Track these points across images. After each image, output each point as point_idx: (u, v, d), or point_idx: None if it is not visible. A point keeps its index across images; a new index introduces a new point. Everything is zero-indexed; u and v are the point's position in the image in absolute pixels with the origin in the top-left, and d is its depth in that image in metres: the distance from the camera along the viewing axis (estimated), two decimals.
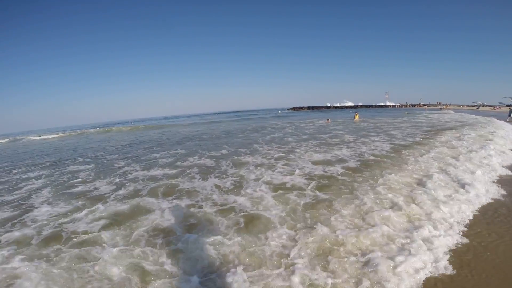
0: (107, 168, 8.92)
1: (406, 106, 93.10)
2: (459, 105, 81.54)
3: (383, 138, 12.72)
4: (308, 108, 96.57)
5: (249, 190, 5.52)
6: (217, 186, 5.99)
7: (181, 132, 23.87)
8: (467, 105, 78.56)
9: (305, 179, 6.15)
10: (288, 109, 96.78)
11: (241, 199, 5.01)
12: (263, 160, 8.52)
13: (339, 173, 6.55)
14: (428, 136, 12.77)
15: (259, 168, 7.44)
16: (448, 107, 77.78)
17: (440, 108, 69.94)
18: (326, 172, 6.71)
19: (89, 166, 9.54)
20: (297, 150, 10.16)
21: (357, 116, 30.08)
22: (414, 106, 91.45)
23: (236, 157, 9.31)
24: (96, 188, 6.51)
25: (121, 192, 6.03)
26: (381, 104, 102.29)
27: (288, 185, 5.72)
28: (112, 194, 5.85)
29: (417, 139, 11.95)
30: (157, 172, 7.81)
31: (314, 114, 53.69)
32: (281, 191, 5.31)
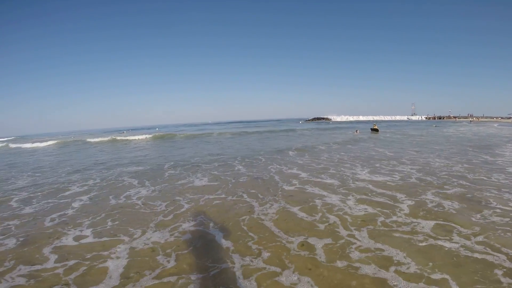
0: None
1: (434, 118, 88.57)
2: (492, 117, 76.69)
3: (433, 154, 11.14)
4: (330, 119, 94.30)
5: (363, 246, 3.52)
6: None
7: (220, 142, 20.87)
8: (501, 117, 73.72)
9: (425, 218, 4.36)
10: (309, 120, 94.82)
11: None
12: (318, 179, 7.19)
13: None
14: (487, 152, 11.00)
15: (328, 194, 6.08)
16: (481, 119, 73.15)
17: (471, 121, 65.66)
18: (441, 207, 4.86)
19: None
20: (357, 172, 8.75)
21: (375, 126, 28.80)
22: (443, 118, 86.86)
23: (290, 175, 8.02)
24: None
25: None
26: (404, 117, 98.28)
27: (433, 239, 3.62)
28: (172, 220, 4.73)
29: (486, 157, 10.22)
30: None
31: (337, 125, 51.70)
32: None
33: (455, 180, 6.79)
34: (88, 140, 27.89)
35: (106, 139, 28.07)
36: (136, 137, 28.39)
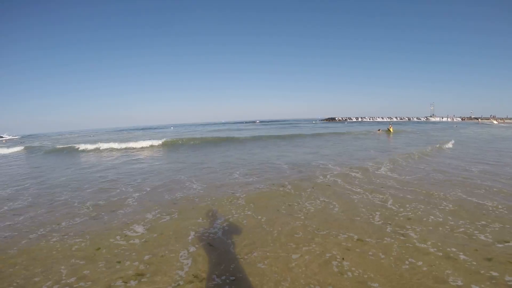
0: None
1: (452, 119, 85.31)
2: None
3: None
4: (345, 119, 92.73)
5: None
6: None
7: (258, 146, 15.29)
8: None
9: (477, 219, 3.85)
10: (322, 120, 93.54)
11: None
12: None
13: None
14: None
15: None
16: (506, 121, 69.85)
17: (496, 122, 62.85)
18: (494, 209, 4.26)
19: None
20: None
21: (391, 128, 28.07)
22: (463, 119, 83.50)
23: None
24: None
25: None
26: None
27: None
28: None
29: None
30: None
31: (354, 126, 50.36)
32: None
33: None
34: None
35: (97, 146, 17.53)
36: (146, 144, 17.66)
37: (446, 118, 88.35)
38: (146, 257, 3.11)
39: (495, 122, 63.12)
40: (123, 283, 2.64)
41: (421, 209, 4.28)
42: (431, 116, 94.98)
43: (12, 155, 17.83)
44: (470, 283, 2.43)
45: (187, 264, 2.93)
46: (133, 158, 11.74)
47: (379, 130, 28.38)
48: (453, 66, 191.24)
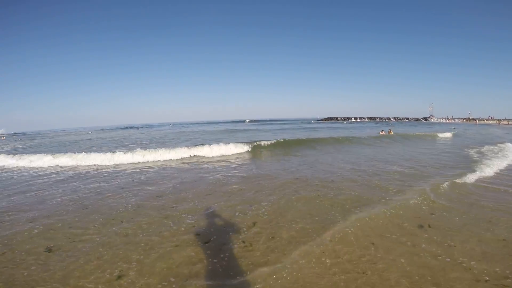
0: None
1: (450, 120, 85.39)
2: None
3: None
4: (343, 119, 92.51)
5: None
6: None
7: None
8: None
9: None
10: (321, 120, 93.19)
11: None
12: None
13: None
14: None
15: None
16: (511, 122, 69.83)
17: (499, 123, 62.93)
18: None
19: None
20: None
21: (391, 132, 27.69)
22: (462, 120, 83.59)
23: None
24: None
25: None
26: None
27: None
28: None
29: None
30: None
31: (355, 126, 50.16)
32: None
33: None
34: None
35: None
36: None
37: (444, 119, 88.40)
38: None
39: (500, 123, 62.87)
40: None
41: None
42: (429, 117, 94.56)
43: None
44: None
45: None
46: None
47: (381, 131, 28.23)
48: (451, 66, 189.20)
